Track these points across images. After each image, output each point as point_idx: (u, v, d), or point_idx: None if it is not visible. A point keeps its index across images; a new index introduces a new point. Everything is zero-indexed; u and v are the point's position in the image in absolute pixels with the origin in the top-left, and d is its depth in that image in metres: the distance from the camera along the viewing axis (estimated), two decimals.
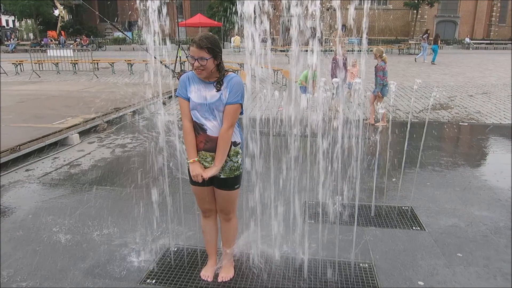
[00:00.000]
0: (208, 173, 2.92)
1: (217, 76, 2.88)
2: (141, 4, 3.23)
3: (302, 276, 3.35)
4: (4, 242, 3.93)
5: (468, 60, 27.15)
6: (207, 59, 2.75)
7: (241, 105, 2.91)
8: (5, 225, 4.30)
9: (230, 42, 36.57)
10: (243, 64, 17.27)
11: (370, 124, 8.58)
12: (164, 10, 3.28)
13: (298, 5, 3.20)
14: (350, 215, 4.29)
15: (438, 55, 25.32)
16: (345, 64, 9.56)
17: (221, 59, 2.88)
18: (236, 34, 35.67)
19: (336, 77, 8.90)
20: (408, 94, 12.70)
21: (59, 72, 18.84)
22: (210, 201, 3.17)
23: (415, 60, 25.35)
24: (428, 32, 26.47)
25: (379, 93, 8.56)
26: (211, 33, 2.91)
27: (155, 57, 3.42)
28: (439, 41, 25.69)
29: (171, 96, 3.58)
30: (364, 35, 3.18)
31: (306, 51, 3.38)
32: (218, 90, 2.87)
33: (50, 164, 6.28)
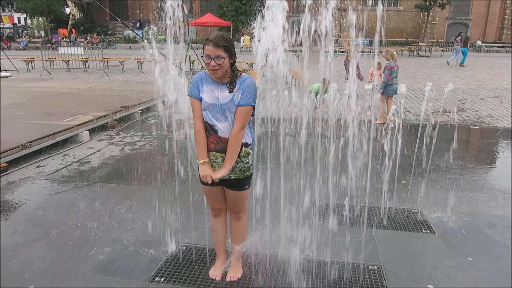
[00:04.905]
0: (217, 175, 2.90)
1: (230, 76, 2.87)
2: (155, 4, 3.23)
3: (310, 277, 3.34)
4: (14, 238, 3.97)
5: (479, 63, 26.90)
6: (224, 58, 2.73)
7: (253, 107, 2.90)
8: (14, 221, 4.34)
9: (239, 42, 36.58)
10: (253, 64, 17.26)
11: (380, 124, 8.54)
12: (179, 10, 3.28)
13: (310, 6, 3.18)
14: (359, 217, 4.27)
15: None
16: (357, 66, 9.57)
17: (236, 58, 2.87)
18: (246, 34, 35.71)
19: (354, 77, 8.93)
20: (418, 96, 12.62)
21: (70, 70, 18.99)
22: (220, 200, 3.17)
23: (448, 63, 25.01)
24: (461, 35, 26.09)
25: (380, 90, 8.58)
26: (225, 32, 2.90)
27: (166, 56, 3.42)
28: (468, 44, 25.42)
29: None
30: (377, 37, 3.15)
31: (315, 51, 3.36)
32: (231, 91, 2.85)
33: (60, 161, 6.33)
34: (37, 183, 5.42)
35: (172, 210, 3.98)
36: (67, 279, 3.31)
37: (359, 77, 10.16)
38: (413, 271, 3.47)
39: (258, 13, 2.95)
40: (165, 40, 3.41)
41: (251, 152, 3.02)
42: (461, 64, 23.79)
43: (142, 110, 9.78)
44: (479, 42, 44.39)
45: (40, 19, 54.50)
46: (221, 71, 2.79)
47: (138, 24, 49.35)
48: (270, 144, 3.38)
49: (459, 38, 25.76)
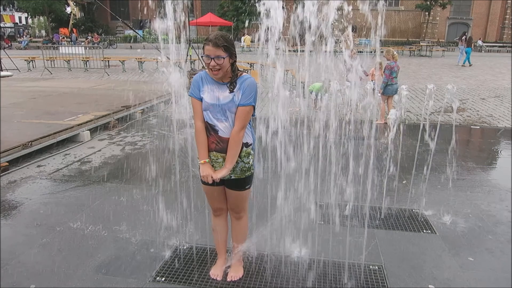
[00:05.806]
0: (218, 175, 2.90)
1: (230, 76, 2.86)
2: (155, 4, 3.23)
3: (311, 277, 3.34)
4: (14, 237, 3.97)
5: (480, 62, 26.86)
6: (224, 58, 2.73)
7: (254, 106, 2.90)
8: (15, 220, 4.34)
9: (240, 42, 36.55)
10: (253, 63, 17.28)
11: (380, 124, 8.55)
12: (180, 9, 3.28)
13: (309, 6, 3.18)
14: (360, 217, 4.27)
15: (452, 58, 25.10)
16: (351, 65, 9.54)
17: (236, 58, 2.87)
18: (247, 34, 35.68)
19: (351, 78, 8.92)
20: (419, 96, 12.61)
21: (71, 69, 18.99)
22: (221, 200, 3.17)
23: (462, 64, 25.02)
24: (466, 35, 26.02)
25: (381, 90, 8.58)
26: (225, 32, 2.90)
27: (168, 57, 3.42)
28: (472, 44, 25.41)
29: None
30: (378, 39, 3.15)
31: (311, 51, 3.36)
32: (231, 91, 2.85)
33: (61, 161, 6.33)
34: (38, 183, 5.42)
35: (173, 210, 3.98)
36: (68, 279, 3.31)
37: (364, 75, 10.11)
38: (414, 271, 3.47)
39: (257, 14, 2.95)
40: (166, 40, 3.41)
41: (252, 152, 3.02)
42: (464, 63, 23.77)
43: (143, 109, 9.78)
44: (480, 42, 44.35)
45: (41, 18, 54.48)
46: (222, 71, 2.78)
47: (140, 24, 49.31)
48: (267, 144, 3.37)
49: (463, 38, 25.73)
